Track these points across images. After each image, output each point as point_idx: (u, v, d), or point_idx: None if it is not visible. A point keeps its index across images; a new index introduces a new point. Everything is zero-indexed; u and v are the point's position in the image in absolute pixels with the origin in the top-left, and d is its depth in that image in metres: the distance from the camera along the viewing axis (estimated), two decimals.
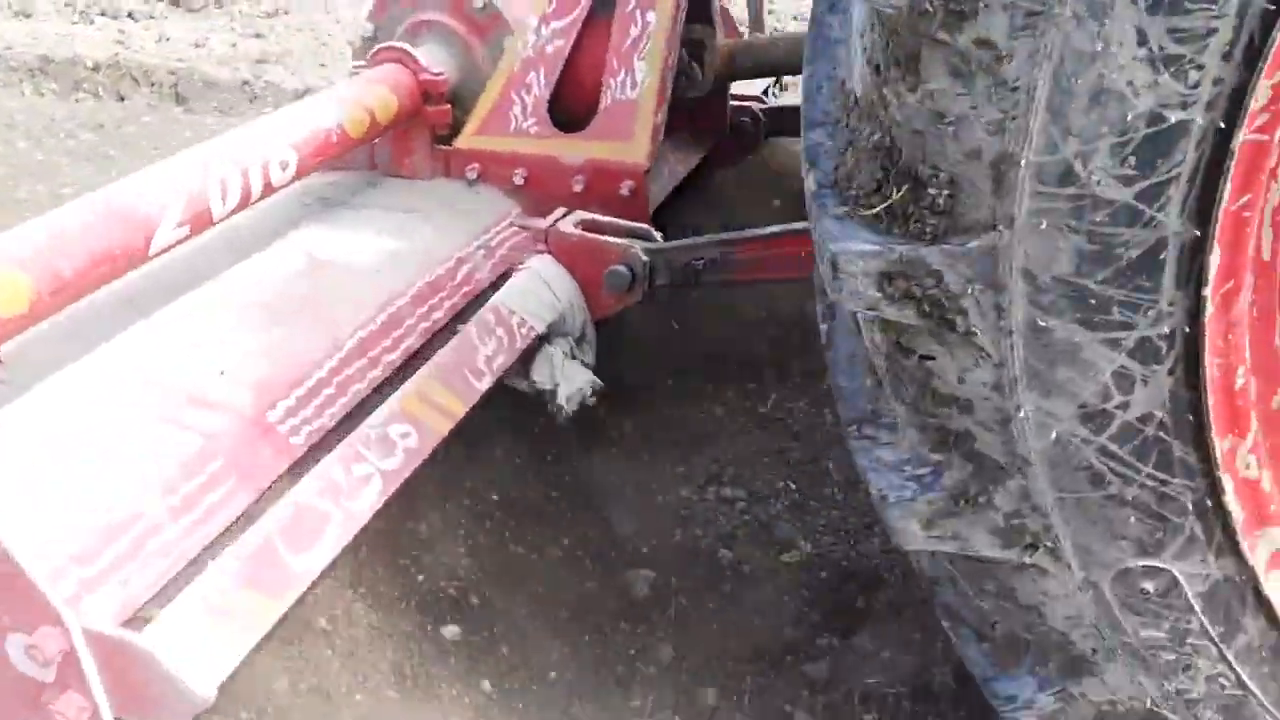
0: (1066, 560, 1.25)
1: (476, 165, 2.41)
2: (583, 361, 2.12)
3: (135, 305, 1.82)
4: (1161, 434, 1.12)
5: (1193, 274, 1.03)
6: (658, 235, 2.19)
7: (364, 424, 1.64)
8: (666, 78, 2.33)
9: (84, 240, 1.60)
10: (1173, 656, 1.27)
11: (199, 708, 1.23)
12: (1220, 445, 1.11)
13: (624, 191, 2.31)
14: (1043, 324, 1.10)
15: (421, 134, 2.41)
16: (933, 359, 1.20)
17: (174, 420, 1.56)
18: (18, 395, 1.55)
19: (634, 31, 2.34)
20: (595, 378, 2.10)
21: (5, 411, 1.51)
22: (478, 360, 1.86)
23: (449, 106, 2.39)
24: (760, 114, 2.92)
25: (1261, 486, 1.19)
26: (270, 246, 2.09)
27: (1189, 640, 1.25)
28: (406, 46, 2.35)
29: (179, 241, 1.75)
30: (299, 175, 2.05)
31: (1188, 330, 1.06)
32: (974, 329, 1.14)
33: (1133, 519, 1.17)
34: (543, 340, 2.05)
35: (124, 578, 1.35)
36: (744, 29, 2.96)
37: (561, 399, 2.00)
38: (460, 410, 1.77)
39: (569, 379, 2.02)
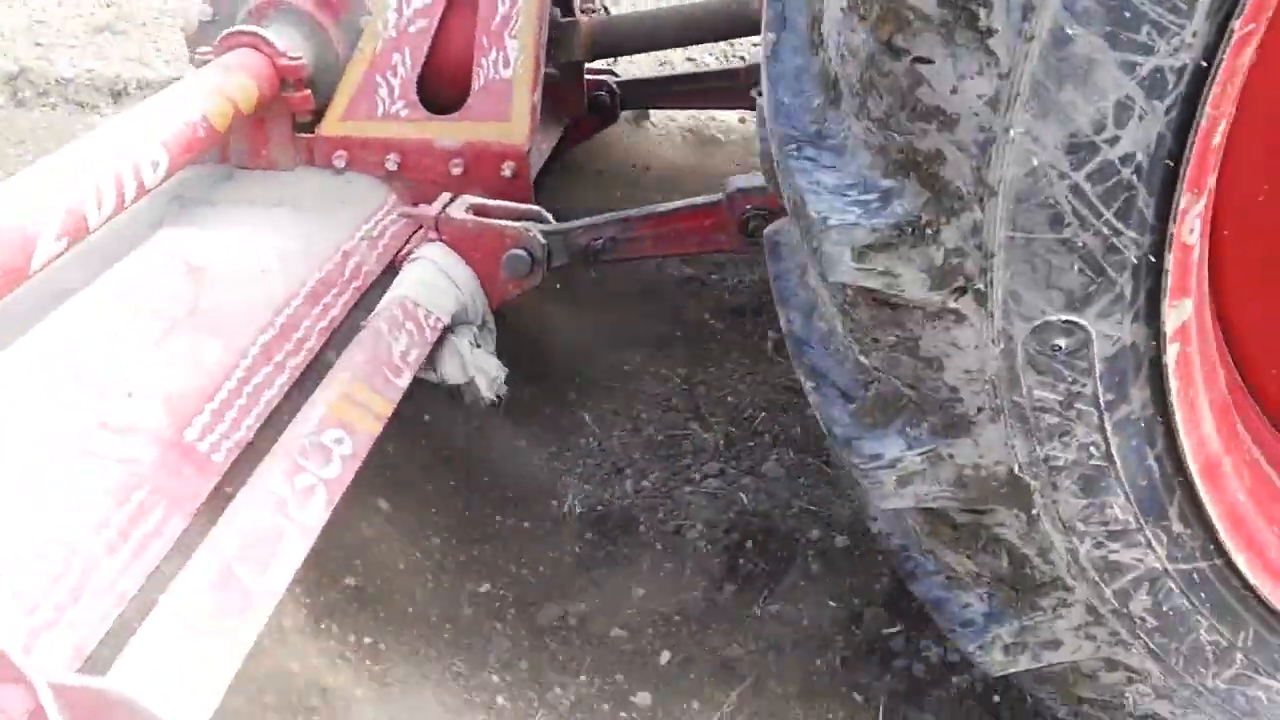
0: (990, 309, 1.21)
1: (344, 152, 2.31)
2: (486, 350, 2.09)
3: (6, 322, 1.66)
4: (1134, 179, 1.09)
5: (1224, 6, 1.01)
6: (549, 216, 2.17)
7: (296, 433, 1.56)
8: (540, 56, 2.30)
9: None
10: (1055, 420, 1.25)
11: None
12: (1180, 201, 1.09)
13: (506, 173, 2.28)
14: (1069, 32, 1.03)
15: (280, 122, 2.29)
16: (930, 63, 1.12)
17: (90, 450, 1.44)
18: None
19: (503, 9, 2.29)
20: (500, 363, 2.07)
21: None
22: (394, 357, 1.80)
23: (309, 92, 2.28)
24: (615, 88, 2.93)
25: (1193, 255, 1.19)
26: (137, 252, 1.94)
27: (1077, 405, 1.24)
28: (258, 30, 2.22)
29: (59, 255, 1.60)
30: (169, 174, 1.91)
31: (1202, 65, 1.02)
32: (994, 28, 1.06)
33: (1074, 268, 1.14)
34: (446, 331, 2.00)
35: (71, 621, 1.25)
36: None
37: (483, 390, 1.96)
38: (387, 410, 1.71)
39: (483, 369, 1.98)
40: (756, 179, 2.06)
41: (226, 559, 1.33)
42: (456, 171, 2.28)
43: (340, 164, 2.32)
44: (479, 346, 2.06)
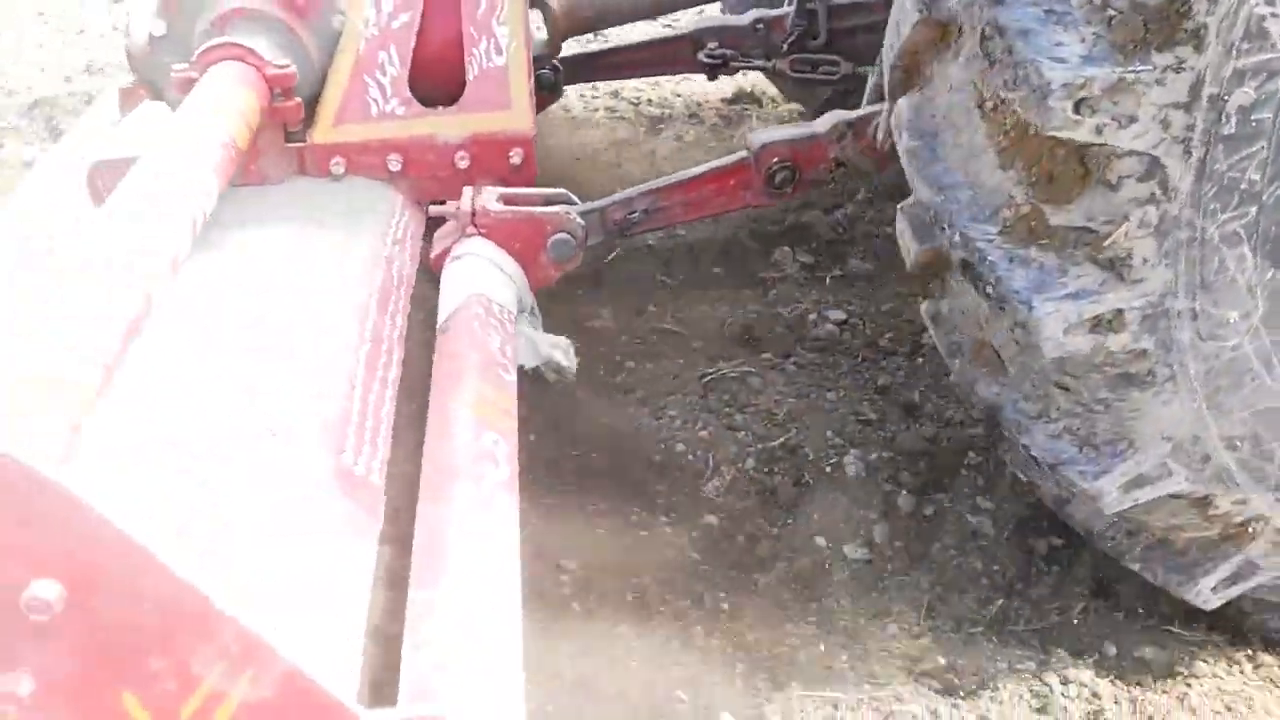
0: None
1: (341, 158, 2.25)
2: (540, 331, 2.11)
3: None
4: None
5: None
6: (575, 198, 2.21)
7: (458, 444, 1.56)
8: (528, 40, 2.31)
9: None
10: None
11: None
12: None
13: (515, 161, 2.28)
14: None
15: (273, 134, 2.20)
16: None
17: (267, 499, 1.40)
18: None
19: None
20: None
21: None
22: (495, 353, 1.81)
23: (299, 100, 2.20)
24: (558, 65, 2.94)
25: None
26: (182, 285, 1.85)
27: None
28: (243, 41, 2.12)
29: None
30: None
31: None
32: None
33: None
34: None
35: (358, 663, 1.25)
36: None
37: (564, 362, 1.99)
38: (513, 405, 1.73)
39: (555, 346, 2.01)
40: (778, 131, 2.17)
41: (465, 574, 1.35)
42: (463, 165, 2.27)
43: (339, 170, 2.26)
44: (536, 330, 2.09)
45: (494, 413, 1.66)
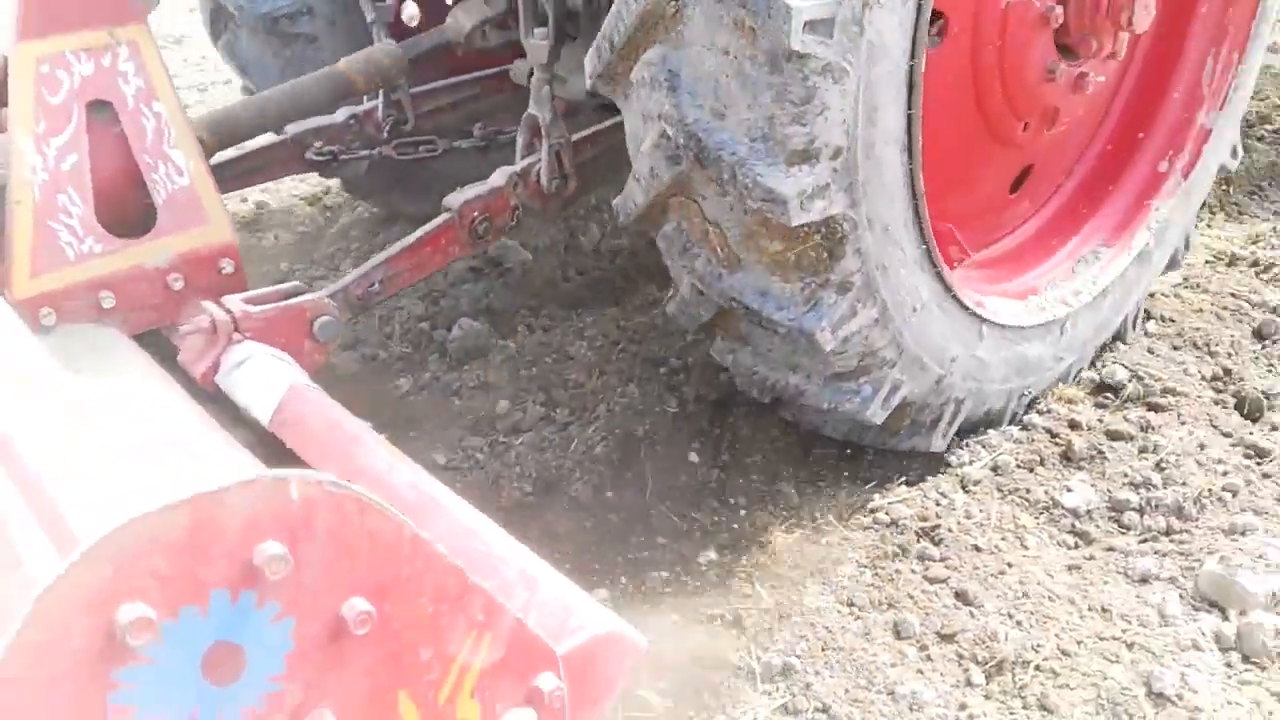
0: None
1: (49, 309, 2.15)
2: None
3: None
4: None
5: None
6: (306, 287, 2.35)
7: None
8: (204, 156, 2.39)
9: None
10: None
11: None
12: None
13: (227, 270, 2.35)
14: None
15: None
16: None
17: None
18: None
19: (149, 125, 2.31)
20: None
21: None
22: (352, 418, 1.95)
23: None
24: None
25: None
26: None
27: None
28: None
29: None
30: None
31: None
32: None
33: None
34: None
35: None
36: None
37: None
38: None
39: None
40: (470, 190, 2.54)
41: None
42: (178, 286, 2.29)
43: (50, 322, 2.16)
44: None
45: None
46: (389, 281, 2.42)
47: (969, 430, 2.75)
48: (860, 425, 2.53)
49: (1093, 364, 3.02)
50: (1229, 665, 2.18)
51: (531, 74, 2.84)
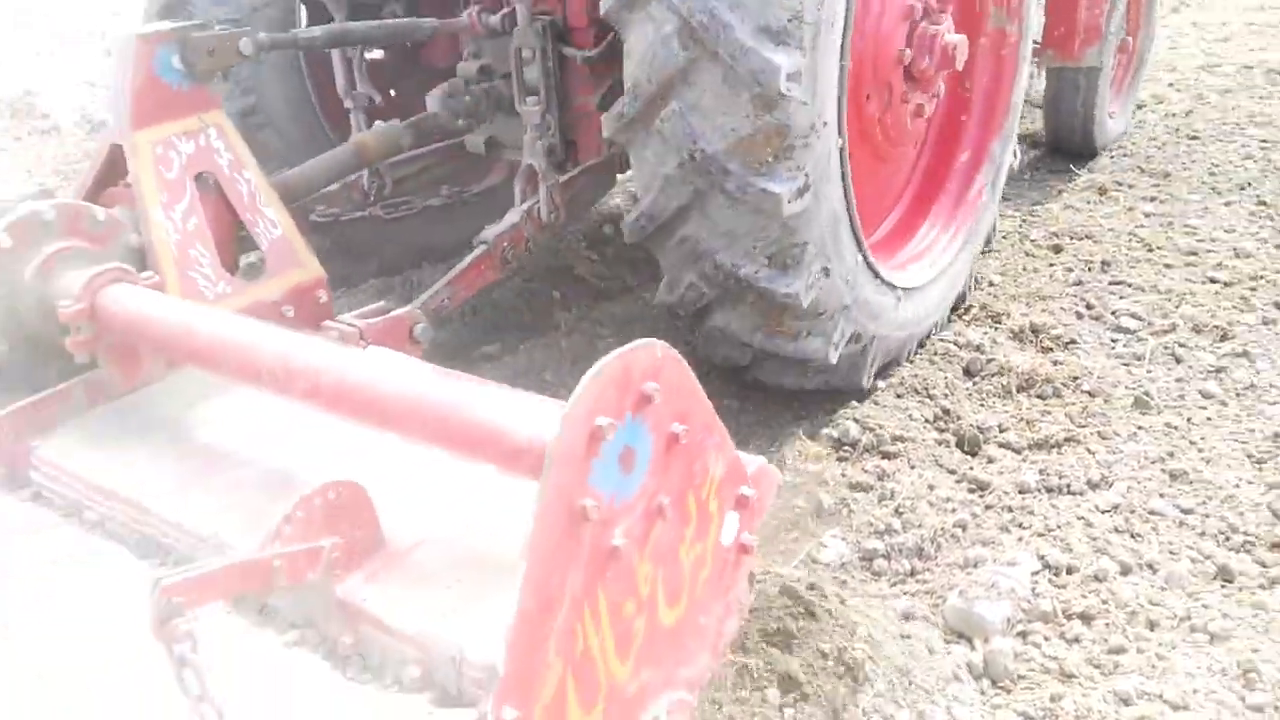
0: None
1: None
2: None
3: None
4: None
5: None
6: (392, 306, 2.90)
7: None
8: (288, 210, 2.91)
9: None
10: None
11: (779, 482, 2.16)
12: None
13: (322, 299, 2.87)
14: None
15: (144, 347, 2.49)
16: None
17: None
18: None
19: (243, 189, 2.81)
20: None
21: None
22: None
23: None
24: None
25: None
26: None
27: None
28: (125, 266, 2.42)
29: None
30: None
31: None
32: None
33: None
34: None
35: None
36: None
37: None
38: None
39: None
40: (498, 226, 3.17)
41: None
42: (290, 314, 2.80)
43: None
44: None
45: None
46: (452, 298, 3.02)
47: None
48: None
49: (829, 422, 3.30)
50: (982, 692, 2.30)
51: (487, 142, 3.56)
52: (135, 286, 2.39)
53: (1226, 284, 4.24)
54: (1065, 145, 5.87)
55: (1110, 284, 4.30)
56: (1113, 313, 4.04)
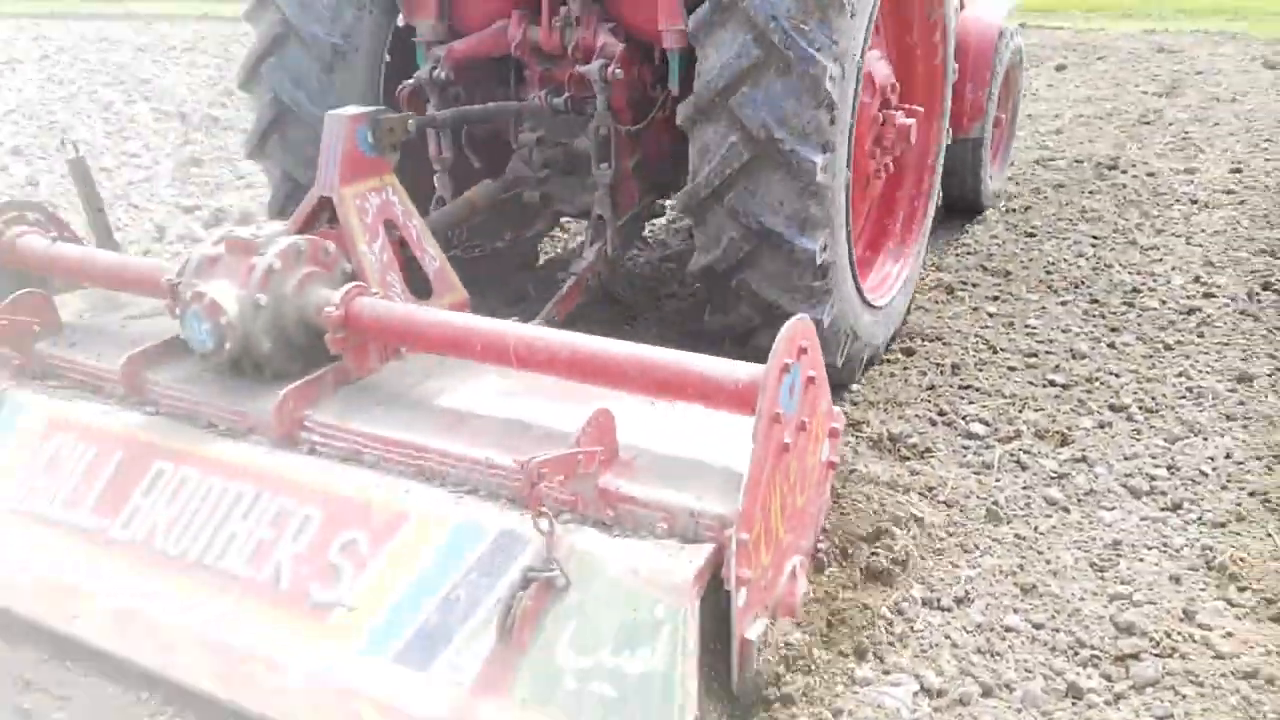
0: None
1: (403, 345, 3.51)
2: None
3: None
4: None
5: None
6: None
7: None
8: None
9: None
10: None
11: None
12: None
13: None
14: None
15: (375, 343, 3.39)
16: None
17: None
18: None
19: (413, 233, 3.74)
20: None
21: None
22: None
23: None
24: None
25: None
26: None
27: None
28: (363, 284, 3.32)
29: None
30: None
31: None
32: None
33: None
34: None
35: None
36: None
37: None
38: None
39: None
40: (580, 262, 4.18)
41: None
42: None
43: (405, 350, 3.51)
44: None
45: None
46: (558, 315, 4.00)
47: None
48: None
49: None
50: None
51: (541, 197, 4.60)
52: (377, 299, 3.29)
53: (1064, 386, 4.55)
54: (958, 205, 7.19)
55: (960, 388, 4.57)
56: (963, 418, 4.28)
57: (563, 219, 5.54)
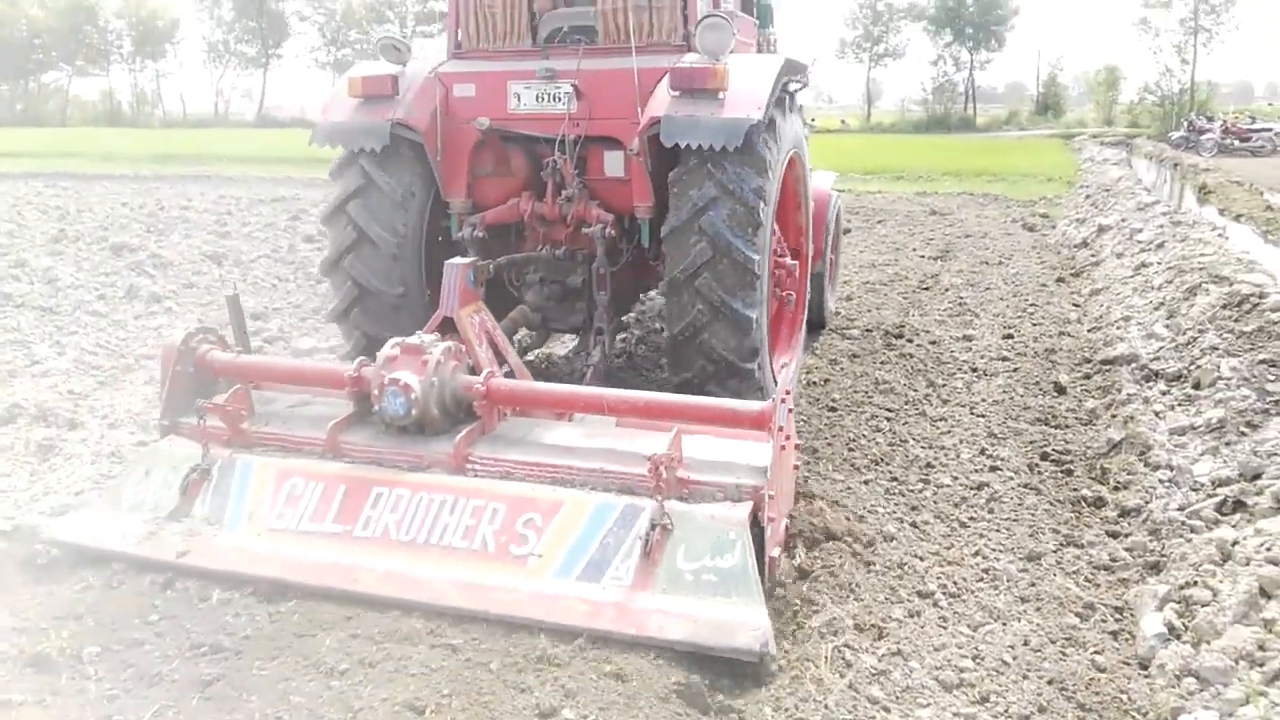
0: None
1: (520, 407, 5.35)
2: None
3: None
4: None
5: None
6: None
7: None
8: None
9: None
10: None
11: None
12: None
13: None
14: None
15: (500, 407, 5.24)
16: None
17: None
18: None
19: (500, 340, 5.61)
20: None
21: None
22: None
23: None
24: None
25: None
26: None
27: None
28: (495, 369, 5.19)
29: None
30: None
31: None
32: None
33: None
34: None
35: None
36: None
37: None
38: None
39: None
40: (589, 360, 6.16)
41: None
42: None
43: (510, 414, 5.35)
44: None
45: None
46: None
47: None
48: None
49: None
50: None
51: (541, 319, 6.66)
52: (504, 379, 5.15)
53: (879, 573, 4.66)
54: (811, 320, 9.57)
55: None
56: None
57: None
